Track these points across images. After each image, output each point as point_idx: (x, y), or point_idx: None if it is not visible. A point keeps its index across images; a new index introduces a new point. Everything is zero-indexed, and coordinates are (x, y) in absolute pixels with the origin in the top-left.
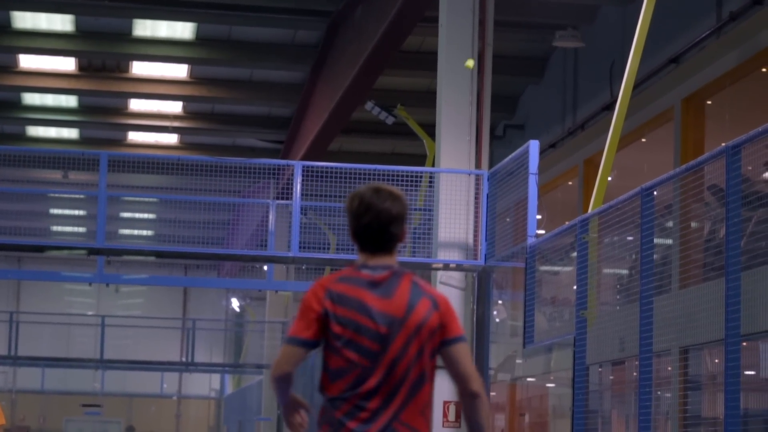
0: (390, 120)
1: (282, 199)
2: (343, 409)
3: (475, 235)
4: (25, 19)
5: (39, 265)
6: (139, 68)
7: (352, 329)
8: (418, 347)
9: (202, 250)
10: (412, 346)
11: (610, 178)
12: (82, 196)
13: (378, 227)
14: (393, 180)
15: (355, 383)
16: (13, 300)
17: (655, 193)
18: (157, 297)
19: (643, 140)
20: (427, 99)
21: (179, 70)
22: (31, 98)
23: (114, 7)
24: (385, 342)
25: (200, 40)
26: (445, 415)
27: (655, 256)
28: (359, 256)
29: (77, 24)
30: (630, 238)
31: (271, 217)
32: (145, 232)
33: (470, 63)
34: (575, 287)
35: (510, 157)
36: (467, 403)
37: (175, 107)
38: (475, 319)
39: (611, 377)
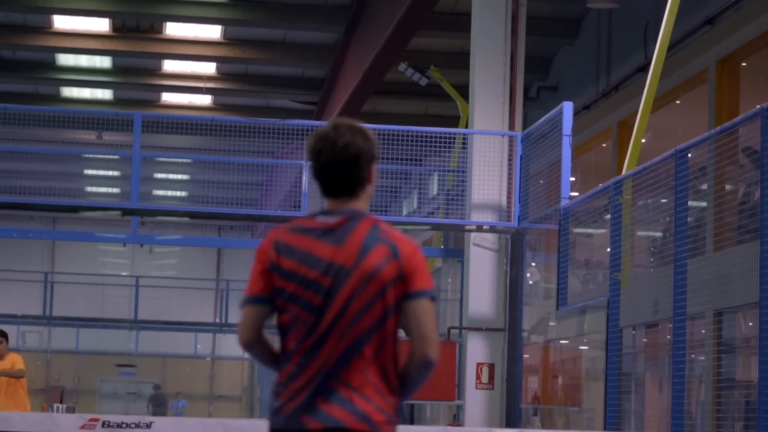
0: (423, 81)
1: None
2: (287, 369)
3: (509, 197)
4: None
5: (73, 225)
6: (173, 29)
7: (296, 282)
8: (367, 300)
9: (235, 210)
10: (360, 298)
11: (644, 140)
12: (116, 157)
13: (336, 166)
14: (427, 141)
15: (299, 342)
16: (48, 260)
17: (689, 155)
18: (191, 258)
19: (678, 102)
20: (460, 60)
21: (213, 31)
22: (65, 59)
23: None
24: (329, 295)
25: (234, 1)
26: (478, 377)
27: (689, 219)
28: (324, 203)
29: None
30: (664, 200)
31: (305, 178)
32: (178, 193)
33: None
34: (609, 249)
35: (544, 118)
36: (416, 367)
37: (209, 68)
38: (508, 281)
39: (645, 340)
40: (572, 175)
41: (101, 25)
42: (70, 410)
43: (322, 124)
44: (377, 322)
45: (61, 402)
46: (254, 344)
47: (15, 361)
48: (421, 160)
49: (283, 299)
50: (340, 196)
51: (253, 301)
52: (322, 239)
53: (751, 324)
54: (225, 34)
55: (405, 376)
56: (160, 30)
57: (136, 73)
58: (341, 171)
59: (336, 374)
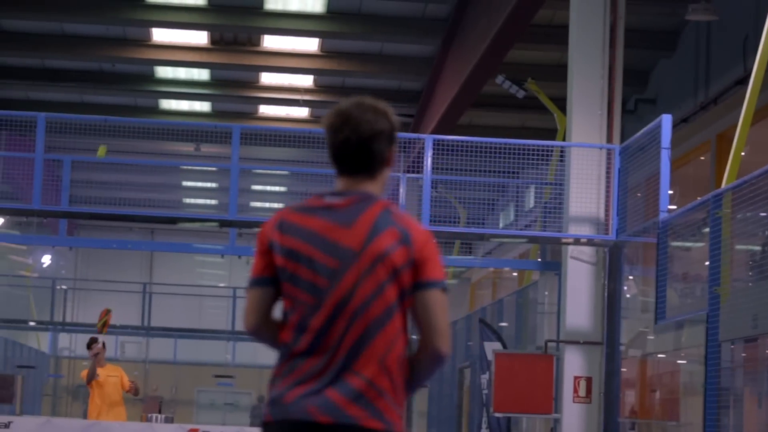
0: (521, 94)
1: (412, 172)
2: (290, 355)
3: (607, 210)
4: None
5: (171, 237)
6: (271, 42)
7: (297, 261)
8: (375, 285)
9: None
10: (367, 283)
11: (743, 153)
12: (214, 169)
13: (357, 143)
14: (524, 154)
15: (301, 326)
16: (147, 271)
17: None
18: None
19: None
20: (558, 73)
21: (310, 44)
22: (163, 71)
23: None
24: (334, 277)
25: (331, 14)
26: (575, 390)
27: None
28: (336, 182)
29: None
30: (763, 214)
31: (402, 190)
32: (275, 205)
33: (102, 151)
34: (707, 263)
35: (642, 131)
36: (425, 360)
37: (306, 80)
38: (606, 294)
39: (743, 354)
40: (670, 189)
41: (200, 38)
42: (169, 420)
43: (419, 136)
44: (388, 310)
45: (159, 412)
46: (260, 329)
47: (122, 373)
48: (517, 173)
49: (284, 279)
50: (356, 175)
51: (254, 283)
52: (329, 219)
53: None
54: (322, 46)
55: (414, 370)
56: (257, 43)
57: (233, 85)
58: (363, 148)
59: (350, 365)
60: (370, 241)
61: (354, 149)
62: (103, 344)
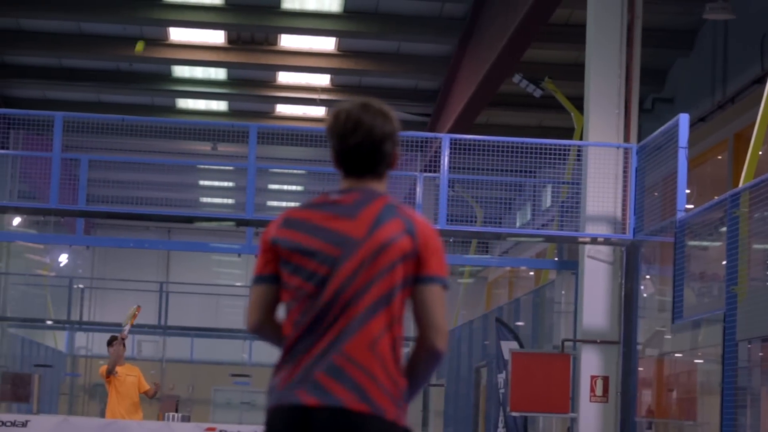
0: (538, 93)
1: (429, 171)
2: (288, 345)
3: (624, 209)
4: None
5: (188, 236)
6: (288, 41)
7: (300, 253)
8: (375, 272)
9: None
10: (366, 270)
11: (761, 152)
12: (230, 168)
13: (370, 147)
14: (541, 153)
15: (301, 315)
16: (163, 270)
17: None
18: None
19: None
20: (575, 72)
21: (327, 43)
22: (180, 71)
23: None
24: (335, 264)
25: (348, 13)
26: (592, 389)
27: None
28: (342, 183)
29: None
30: None
31: (419, 189)
32: (292, 204)
33: (140, 46)
34: (725, 262)
35: (659, 130)
36: (422, 357)
37: (323, 80)
38: (623, 293)
39: (760, 354)
40: (688, 188)
41: (216, 37)
42: (186, 419)
43: (436, 135)
44: (384, 297)
45: (176, 411)
46: (262, 327)
47: (140, 374)
48: (534, 172)
49: (288, 271)
50: (363, 176)
51: (257, 280)
52: (333, 211)
53: None
54: (339, 46)
55: (412, 366)
56: (274, 42)
57: (250, 84)
58: (374, 152)
59: (339, 347)
60: (374, 230)
61: (367, 153)
62: (123, 342)
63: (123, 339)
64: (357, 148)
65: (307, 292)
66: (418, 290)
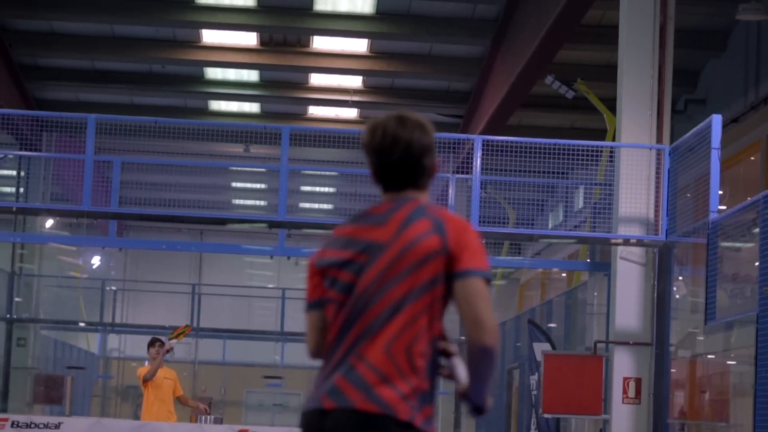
0: (570, 94)
1: (461, 173)
2: (325, 357)
3: (656, 211)
4: None
5: (220, 238)
6: (320, 43)
7: (335, 266)
8: (399, 271)
9: None
10: (391, 271)
11: None
12: (263, 170)
13: (409, 162)
14: (573, 154)
15: (335, 325)
16: (196, 272)
17: None
18: None
19: None
20: (607, 73)
21: (359, 45)
22: (213, 73)
23: None
24: (361, 271)
25: (380, 15)
26: (624, 391)
27: None
28: (383, 197)
29: None
30: None
31: (451, 191)
32: (325, 206)
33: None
34: (758, 264)
35: (692, 131)
36: (472, 355)
37: (355, 81)
38: (655, 294)
39: None
40: (720, 189)
41: (249, 39)
42: (218, 421)
43: (468, 137)
44: (406, 297)
45: (208, 413)
46: (320, 351)
47: (176, 378)
48: (567, 173)
49: (328, 288)
50: (404, 190)
51: (307, 307)
52: (366, 222)
53: None
54: (371, 47)
55: (469, 366)
56: (307, 44)
57: (283, 86)
58: (413, 166)
59: (356, 349)
60: (400, 232)
61: (406, 168)
62: (161, 344)
63: (168, 350)
64: (397, 164)
65: (340, 301)
66: (456, 287)
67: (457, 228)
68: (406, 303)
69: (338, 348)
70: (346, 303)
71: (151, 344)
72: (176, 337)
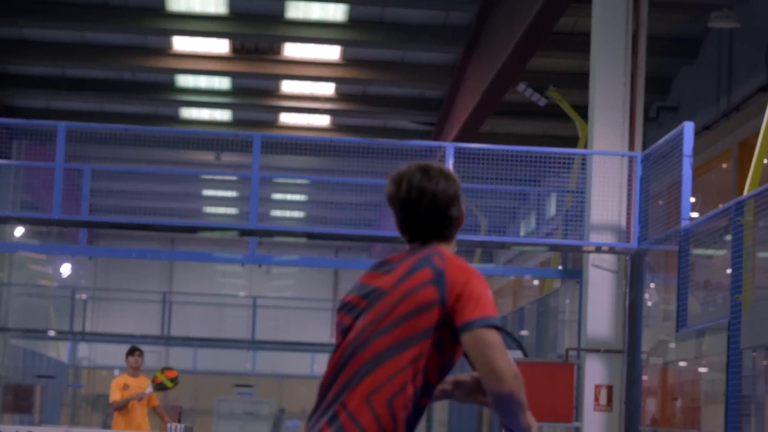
0: (542, 101)
1: None
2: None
3: (628, 218)
4: (179, 2)
5: (192, 246)
6: (292, 50)
7: (344, 310)
8: (388, 322)
9: (353, 231)
10: (385, 319)
11: (766, 161)
12: (234, 178)
13: (436, 214)
14: (545, 161)
15: (329, 368)
16: (166, 281)
17: None
18: (308, 278)
19: None
20: (579, 80)
21: (331, 52)
22: (184, 80)
23: None
24: (358, 316)
25: (352, 22)
26: (596, 398)
27: None
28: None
29: (230, 6)
30: None
31: None
32: (296, 214)
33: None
34: (729, 271)
35: (664, 139)
36: (492, 403)
37: (327, 89)
38: (627, 302)
39: (765, 362)
40: (692, 196)
41: (220, 46)
42: (188, 430)
43: (441, 144)
44: (395, 346)
45: (179, 422)
46: None
47: (149, 389)
48: (539, 181)
49: (338, 329)
50: (429, 241)
51: (333, 351)
52: (380, 270)
53: None
54: (344, 55)
55: (496, 412)
56: (278, 51)
57: (254, 94)
58: (441, 217)
59: (342, 396)
60: (401, 281)
61: (433, 221)
62: (140, 353)
63: (142, 394)
64: (423, 216)
65: (338, 345)
66: (462, 341)
67: (458, 279)
68: (392, 354)
69: (329, 391)
70: (340, 343)
71: (130, 353)
72: (160, 388)
